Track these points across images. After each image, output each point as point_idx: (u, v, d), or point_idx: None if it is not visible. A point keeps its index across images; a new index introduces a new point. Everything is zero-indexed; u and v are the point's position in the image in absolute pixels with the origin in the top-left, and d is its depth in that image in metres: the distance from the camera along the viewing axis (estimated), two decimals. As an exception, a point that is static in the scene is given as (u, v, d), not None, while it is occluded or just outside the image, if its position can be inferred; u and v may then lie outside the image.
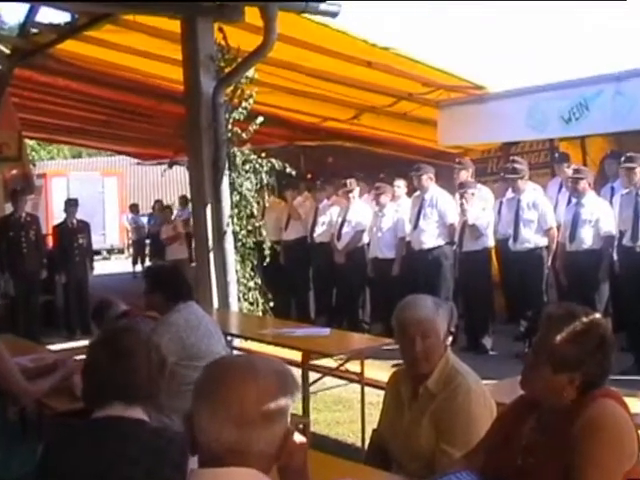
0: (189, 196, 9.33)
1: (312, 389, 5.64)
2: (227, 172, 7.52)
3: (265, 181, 7.84)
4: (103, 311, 5.06)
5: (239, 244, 7.69)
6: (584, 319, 2.26)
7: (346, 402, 6.51)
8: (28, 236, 9.74)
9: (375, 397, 5.28)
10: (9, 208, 10.08)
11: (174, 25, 7.39)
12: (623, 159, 7.47)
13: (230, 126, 7.54)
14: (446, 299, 7.49)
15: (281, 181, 9.91)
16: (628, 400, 2.31)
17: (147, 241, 18.43)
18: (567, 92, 8.00)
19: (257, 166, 7.70)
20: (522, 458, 2.32)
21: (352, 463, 3.08)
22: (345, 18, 6.89)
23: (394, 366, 3.64)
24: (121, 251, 24.22)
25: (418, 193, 8.79)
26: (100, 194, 23.03)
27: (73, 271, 10.38)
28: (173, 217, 14.39)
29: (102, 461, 2.15)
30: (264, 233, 8.02)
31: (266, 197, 8.34)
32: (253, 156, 7.72)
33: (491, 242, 8.51)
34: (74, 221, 10.53)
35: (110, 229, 23.21)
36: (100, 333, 2.72)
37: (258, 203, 7.92)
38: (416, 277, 8.48)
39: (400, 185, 9.51)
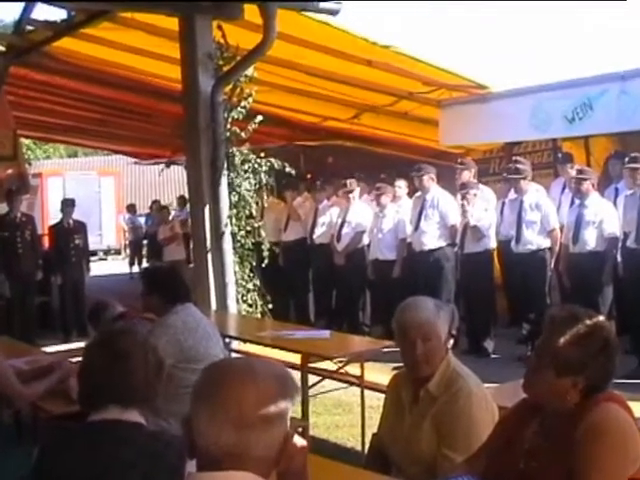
0: (187, 196, 9.32)
1: (311, 392, 5.64)
2: (225, 172, 7.52)
3: (264, 181, 7.84)
4: (99, 313, 5.06)
5: (238, 245, 7.69)
6: (587, 322, 2.26)
7: (346, 405, 6.50)
8: (23, 236, 9.74)
9: (375, 400, 5.28)
10: (4, 208, 10.06)
11: (172, 23, 7.39)
12: (627, 159, 7.48)
13: (229, 125, 7.54)
14: (447, 301, 7.50)
15: (280, 181, 9.92)
16: (632, 404, 2.31)
17: (144, 242, 18.44)
18: (571, 91, 8.00)
19: (256, 166, 7.70)
20: (524, 462, 2.32)
21: (352, 467, 3.08)
22: (346, 16, 6.91)
23: (394, 369, 3.65)
24: (118, 252, 24.23)
25: (419, 194, 8.79)
26: (97, 194, 23.05)
27: (69, 272, 10.37)
28: (171, 217, 14.39)
29: (98, 465, 2.15)
30: (263, 234, 8.02)
31: (265, 197, 8.35)
32: (252, 156, 7.72)
33: (493, 243, 8.51)
34: (70, 221, 10.52)
35: (107, 229, 23.22)
36: (96, 335, 2.72)
37: (257, 203, 7.92)
38: (417, 279, 8.48)
39: (401, 186, 9.51)
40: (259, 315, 7.81)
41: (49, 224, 12.16)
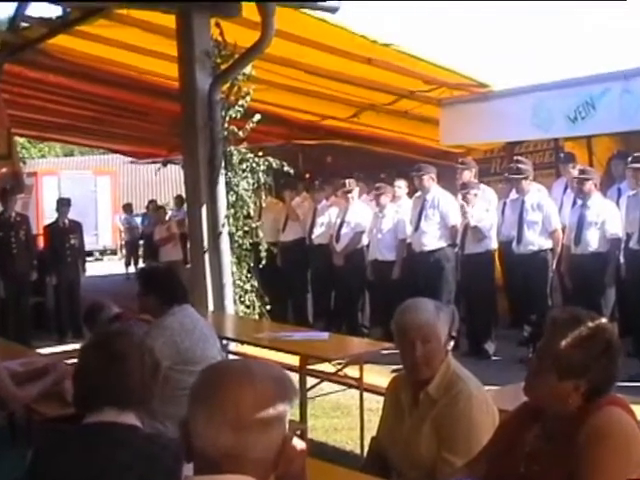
0: (185, 196, 9.32)
1: (310, 395, 5.65)
2: (223, 171, 7.52)
3: (262, 181, 7.84)
4: (95, 314, 5.06)
5: (235, 245, 7.69)
6: (590, 324, 2.26)
7: (344, 408, 6.50)
8: (18, 236, 9.73)
9: (374, 403, 5.29)
10: (-2, 207, 10.06)
11: (169, 20, 7.39)
12: (630, 159, 7.49)
13: (226, 124, 7.55)
14: (447, 302, 7.50)
15: (279, 181, 9.92)
16: (635, 407, 2.31)
17: (140, 242, 18.44)
18: (573, 90, 8.00)
19: (254, 165, 7.70)
20: (525, 466, 2.32)
21: (350, 471, 3.08)
22: (345, 14, 6.91)
23: (394, 371, 3.65)
24: (114, 252, 24.22)
25: (419, 194, 8.80)
26: (92, 193, 23.03)
27: (64, 272, 10.37)
28: (168, 217, 14.38)
29: (93, 468, 2.14)
30: (261, 234, 8.02)
31: (263, 197, 8.35)
32: (250, 155, 7.72)
33: (494, 244, 8.51)
34: (66, 221, 10.52)
35: (103, 229, 23.20)
36: (92, 336, 2.72)
37: (255, 203, 7.92)
38: (417, 280, 8.48)
39: (401, 185, 9.51)
40: (257, 316, 7.80)
41: (44, 224, 12.15)
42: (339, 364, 5.61)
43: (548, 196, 8.47)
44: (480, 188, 8.72)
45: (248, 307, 7.79)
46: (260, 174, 7.75)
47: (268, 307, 7.96)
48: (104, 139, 16.50)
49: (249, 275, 7.84)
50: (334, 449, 5.61)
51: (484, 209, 8.44)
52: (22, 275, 9.77)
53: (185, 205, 9.62)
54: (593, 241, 7.52)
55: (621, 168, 8.14)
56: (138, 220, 19.32)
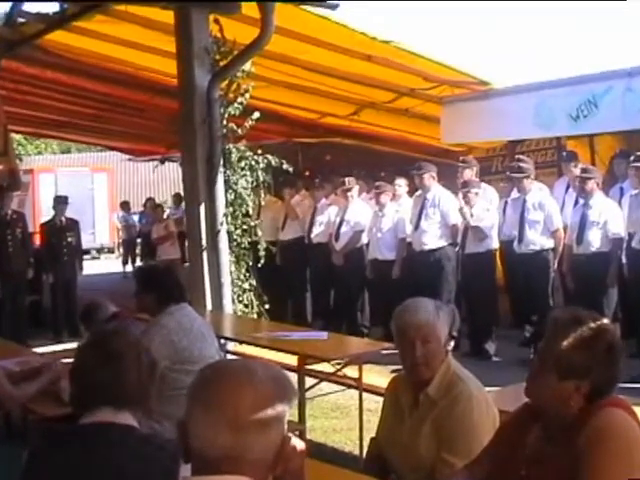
0: (183, 194, 9.31)
1: (308, 395, 5.65)
2: (222, 169, 7.52)
3: (261, 179, 7.84)
4: (92, 313, 5.06)
5: (234, 244, 7.69)
6: (591, 324, 2.26)
7: (344, 409, 6.50)
8: (14, 234, 9.73)
9: (374, 404, 5.28)
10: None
11: (168, 16, 7.39)
12: (633, 158, 7.49)
13: (225, 122, 7.55)
14: (448, 302, 7.49)
15: (278, 179, 9.92)
16: (637, 409, 2.31)
17: (138, 240, 18.44)
18: (575, 89, 8.00)
19: (253, 163, 7.70)
20: (526, 468, 2.32)
21: (350, 472, 3.09)
22: (345, 10, 6.91)
23: (393, 372, 3.65)
24: (111, 250, 24.22)
25: (420, 192, 8.79)
26: (89, 191, 23.03)
27: (61, 271, 10.36)
28: (165, 215, 14.38)
29: (89, 468, 2.14)
30: (260, 233, 8.02)
31: (262, 195, 8.35)
32: (249, 153, 7.72)
33: (495, 244, 8.51)
34: (63, 219, 10.52)
35: (100, 227, 23.20)
36: (89, 336, 2.73)
37: (254, 202, 7.92)
38: (417, 279, 8.48)
39: (401, 184, 9.51)
40: (255, 316, 7.81)
41: (41, 222, 12.14)
42: (338, 364, 5.61)
43: (550, 195, 8.47)
44: (481, 187, 8.72)
45: (246, 306, 7.80)
46: (259, 172, 7.75)
47: (267, 306, 7.97)
48: (101, 136, 16.50)
49: (247, 274, 7.84)
50: (333, 450, 5.61)
51: (485, 208, 8.44)
52: (18, 273, 9.76)
53: (183, 203, 9.61)
54: (595, 241, 7.51)
55: (623, 167, 8.14)
56: (136, 218, 19.32)
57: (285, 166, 7.96)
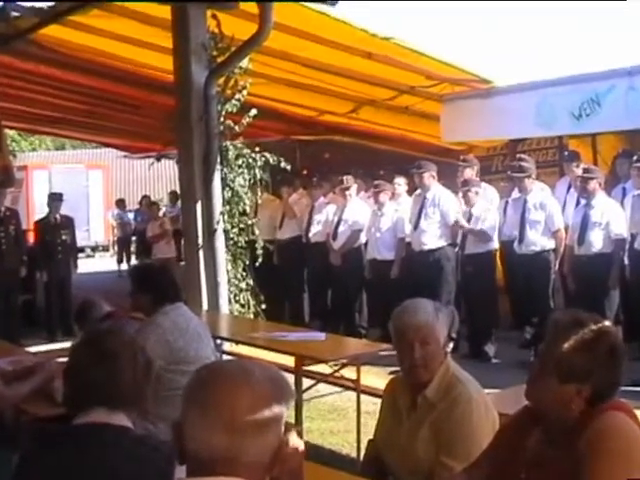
0: (179, 191, 9.32)
1: (305, 396, 5.64)
2: (219, 167, 7.52)
3: (258, 177, 7.85)
4: (86, 312, 5.06)
5: (230, 243, 7.69)
6: (593, 327, 2.25)
7: (341, 410, 6.51)
8: (7, 231, 9.71)
9: (371, 406, 5.28)
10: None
11: (165, 11, 7.38)
12: (636, 158, 7.49)
13: (222, 119, 7.55)
14: (447, 303, 7.51)
15: (275, 177, 9.92)
16: (639, 413, 2.31)
17: (133, 238, 18.44)
18: (577, 87, 8.01)
19: (250, 161, 7.70)
20: (526, 472, 2.32)
21: (347, 475, 3.08)
22: (345, 6, 6.91)
23: (392, 373, 3.65)
24: (106, 248, 24.21)
25: (419, 192, 8.79)
26: (84, 188, 23.00)
27: (55, 269, 10.36)
28: (161, 213, 14.40)
29: (83, 469, 2.14)
30: (257, 232, 8.02)
31: (259, 194, 8.35)
32: (246, 150, 7.72)
33: (495, 244, 8.52)
34: (57, 216, 10.51)
35: (94, 225, 23.18)
36: (83, 335, 2.72)
37: (251, 200, 7.92)
38: (416, 280, 8.48)
39: (400, 183, 9.51)
40: (252, 316, 7.81)
41: (34, 219, 12.13)
42: (336, 365, 5.61)
43: (551, 195, 8.47)
44: (481, 186, 8.72)
45: (243, 306, 7.80)
46: (256, 170, 7.75)
47: (263, 306, 7.98)
48: (97, 133, 16.49)
49: (244, 273, 7.85)
50: (330, 452, 5.61)
51: (486, 209, 8.45)
52: (11, 271, 9.74)
53: (179, 201, 9.61)
54: (597, 242, 7.51)
55: (626, 167, 8.14)
56: (131, 216, 19.32)
57: (283, 164, 7.96)
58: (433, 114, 9.75)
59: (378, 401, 3.39)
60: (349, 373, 5.53)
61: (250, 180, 7.78)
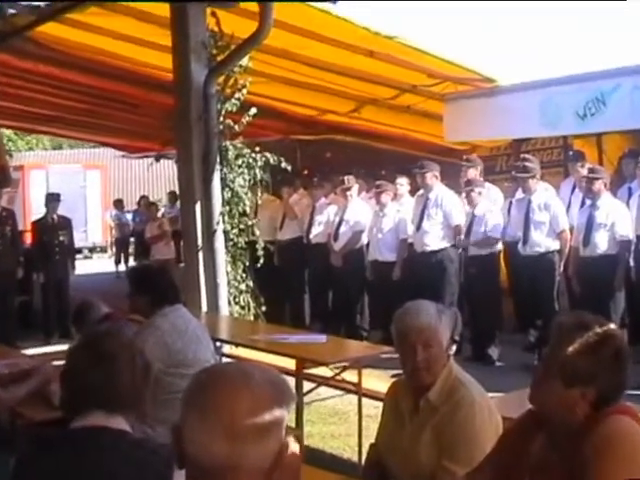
0: (178, 192, 9.32)
1: (306, 399, 5.64)
2: (218, 167, 7.52)
3: (259, 177, 7.85)
4: (84, 314, 5.06)
5: (230, 244, 7.69)
6: (598, 330, 2.25)
7: (342, 414, 6.51)
8: (3, 232, 9.71)
9: (373, 409, 5.28)
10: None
11: (164, 9, 7.39)
12: (641, 158, 7.50)
13: (222, 118, 7.55)
14: (450, 305, 7.49)
15: (276, 177, 9.93)
16: (644, 416, 2.31)
17: (131, 239, 18.44)
18: (582, 86, 8.01)
19: (250, 161, 7.70)
20: (530, 476, 2.32)
21: (348, 479, 3.08)
22: (347, 5, 6.91)
23: (393, 376, 3.65)
24: (104, 250, 24.21)
25: (422, 192, 8.80)
26: (82, 188, 23.01)
27: (52, 270, 10.36)
28: (160, 214, 14.38)
29: (80, 474, 2.14)
30: (257, 232, 8.02)
31: (260, 194, 8.35)
32: (246, 150, 7.72)
33: (499, 245, 8.51)
34: (55, 217, 10.51)
35: (92, 226, 23.18)
36: (80, 337, 2.72)
37: (251, 200, 7.92)
38: (418, 281, 8.48)
39: (402, 183, 9.51)
40: (252, 318, 7.81)
41: (31, 219, 12.13)
42: (337, 368, 5.61)
43: (556, 196, 8.47)
44: (485, 186, 8.72)
45: (243, 308, 7.80)
46: (257, 170, 7.75)
47: (264, 308, 7.97)
48: (94, 132, 16.48)
49: (244, 275, 7.85)
50: (331, 456, 5.61)
51: (488, 209, 8.45)
52: (7, 273, 9.74)
53: (178, 201, 9.61)
54: (602, 243, 7.51)
55: (632, 167, 8.14)
56: (129, 217, 19.32)
57: (283, 164, 7.96)
58: (436, 113, 9.75)
59: (380, 404, 3.39)
60: (350, 376, 5.53)
61: (250, 180, 7.78)
